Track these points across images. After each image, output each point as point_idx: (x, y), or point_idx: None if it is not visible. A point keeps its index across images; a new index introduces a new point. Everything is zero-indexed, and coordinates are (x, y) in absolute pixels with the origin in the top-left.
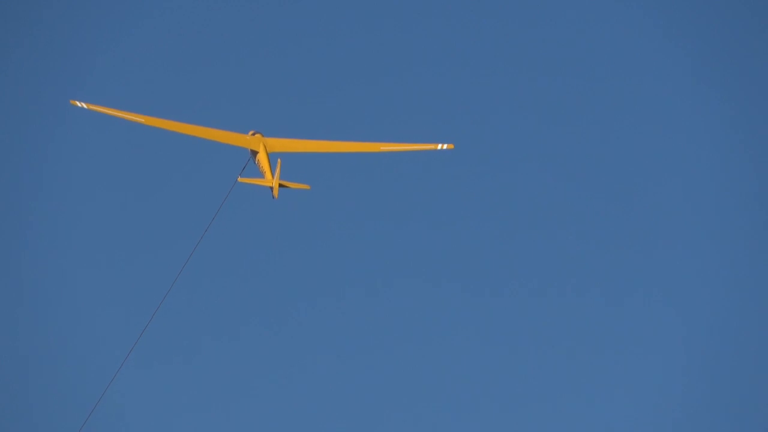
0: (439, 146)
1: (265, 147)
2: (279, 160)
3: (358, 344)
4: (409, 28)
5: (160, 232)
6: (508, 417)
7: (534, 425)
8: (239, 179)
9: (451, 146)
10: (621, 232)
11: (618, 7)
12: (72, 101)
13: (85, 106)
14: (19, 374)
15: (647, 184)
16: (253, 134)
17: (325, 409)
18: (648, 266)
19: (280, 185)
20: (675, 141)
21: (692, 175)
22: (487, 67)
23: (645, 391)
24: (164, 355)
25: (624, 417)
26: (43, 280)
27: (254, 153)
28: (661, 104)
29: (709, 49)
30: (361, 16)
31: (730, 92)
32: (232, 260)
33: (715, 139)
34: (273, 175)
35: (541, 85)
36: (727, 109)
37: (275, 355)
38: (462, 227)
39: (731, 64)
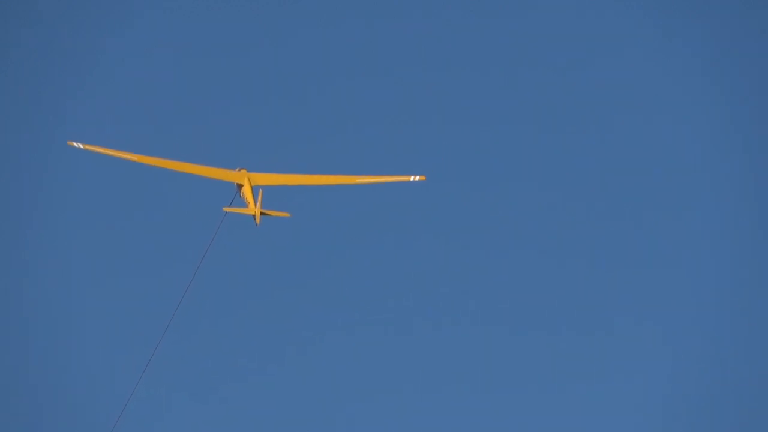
0: (412, 178)
1: (249, 180)
2: (261, 191)
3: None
4: (383, 67)
5: (156, 260)
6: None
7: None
8: (224, 209)
9: (423, 178)
10: (608, 250)
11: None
12: (69, 142)
13: (81, 146)
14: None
15: (637, 204)
16: (239, 170)
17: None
18: (640, 284)
19: (262, 213)
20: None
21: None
22: (462, 108)
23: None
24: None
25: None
26: (43, 308)
27: (240, 186)
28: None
29: (708, 48)
30: (337, 60)
31: (729, 92)
32: (222, 285)
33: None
34: (255, 204)
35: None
36: (725, 117)
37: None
38: (436, 251)
39: (731, 64)
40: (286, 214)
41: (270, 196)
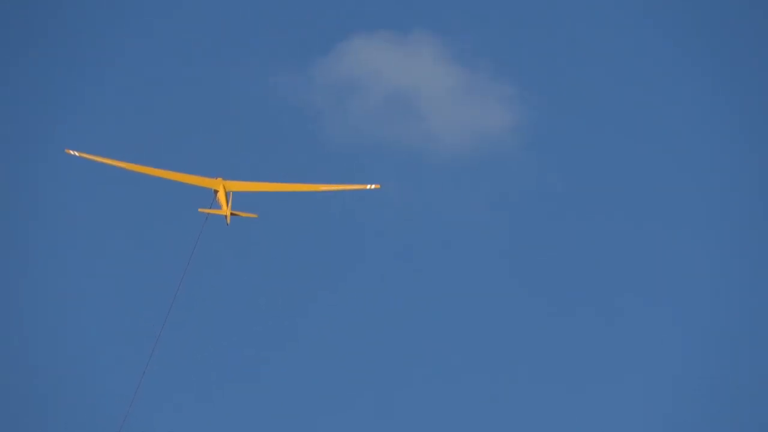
0: (368, 186)
1: (223, 187)
2: (231, 194)
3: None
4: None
5: (144, 256)
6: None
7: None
8: (200, 209)
9: (378, 186)
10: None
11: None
12: (67, 150)
13: (77, 154)
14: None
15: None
16: (216, 178)
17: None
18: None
19: (232, 214)
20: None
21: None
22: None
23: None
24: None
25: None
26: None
27: (216, 191)
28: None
29: (706, 47)
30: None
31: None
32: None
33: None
34: (227, 206)
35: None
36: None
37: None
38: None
39: (731, 64)
40: (254, 215)
41: (246, 199)
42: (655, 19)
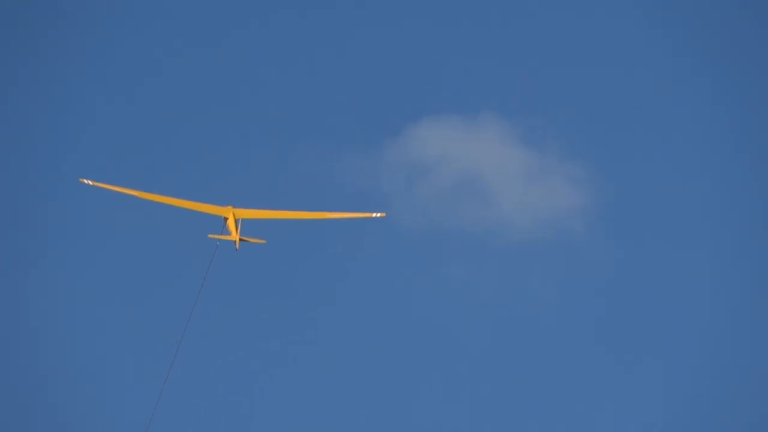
0: (374, 215)
1: (233, 214)
2: (240, 221)
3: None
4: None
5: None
6: None
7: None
8: (209, 236)
9: (383, 214)
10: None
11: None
12: (81, 179)
13: (91, 183)
14: None
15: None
16: (227, 207)
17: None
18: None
19: (241, 239)
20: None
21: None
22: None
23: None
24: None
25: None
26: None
27: (225, 219)
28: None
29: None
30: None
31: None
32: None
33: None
34: (237, 233)
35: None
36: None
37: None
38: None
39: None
40: (262, 241)
41: (256, 225)
42: (725, 107)
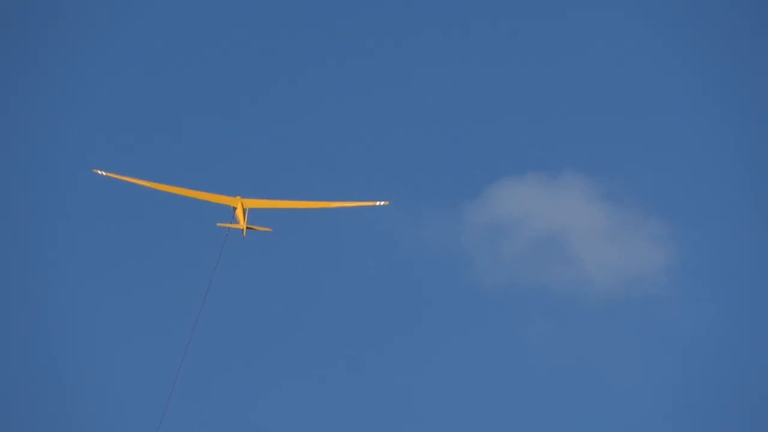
0: (377, 203)
1: (242, 204)
2: (247, 210)
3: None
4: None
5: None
6: None
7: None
8: (218, 224)
9: (387, 203)
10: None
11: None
12: (95, 170)
13: (104, 173)
14: None
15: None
16: (236, 197)
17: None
18: None
19: (248, 228)
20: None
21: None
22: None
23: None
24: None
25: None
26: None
27: (234, 208)
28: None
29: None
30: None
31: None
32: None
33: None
34: (244, 221)
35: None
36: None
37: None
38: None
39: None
40: (269, 229)
41: (265, 214)
42: None
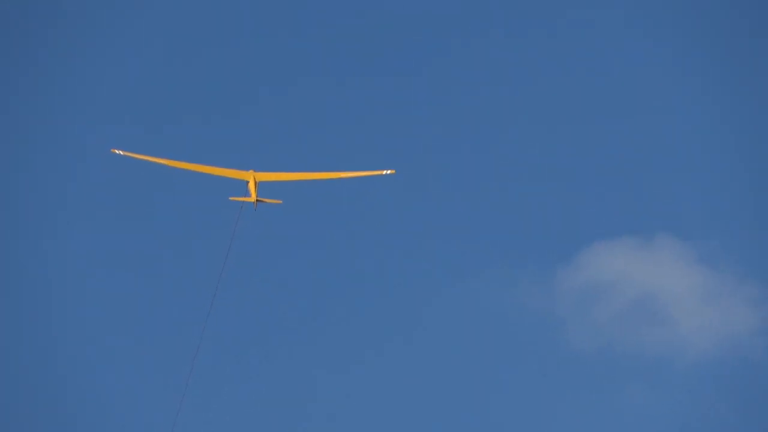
0: (384, 172)
1: (254, 178)
2: (257, 183)
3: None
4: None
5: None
6: None
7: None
8: (230, 198)
9: (393, 171)
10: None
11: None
12: (113, 149)
13: (122, 153)
14: None
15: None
16: (249, 171)
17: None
18: None
19: (258, 200)
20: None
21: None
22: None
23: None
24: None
25: None
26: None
27: (247, 182)
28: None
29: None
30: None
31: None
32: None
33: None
34: (255, 194)
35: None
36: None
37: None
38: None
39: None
40: (278, 201)
41: (271, 188)
42: None
